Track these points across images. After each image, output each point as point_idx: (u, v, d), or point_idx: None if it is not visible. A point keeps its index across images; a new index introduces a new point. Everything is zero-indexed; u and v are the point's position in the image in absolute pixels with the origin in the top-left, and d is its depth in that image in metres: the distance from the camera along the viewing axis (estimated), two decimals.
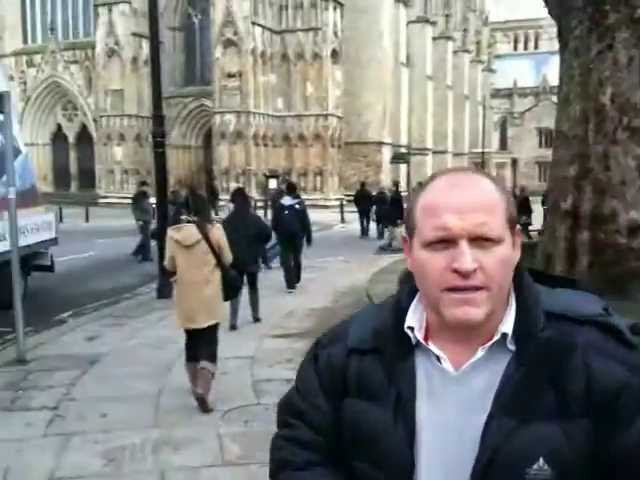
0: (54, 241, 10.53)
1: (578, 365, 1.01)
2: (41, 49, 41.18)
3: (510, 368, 1.03)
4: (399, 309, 1.14)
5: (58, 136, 42.60)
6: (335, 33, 36.45)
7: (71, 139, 42.06)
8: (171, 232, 5.46)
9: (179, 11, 39.59)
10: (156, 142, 10.49)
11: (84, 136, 41.37)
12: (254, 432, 4.67)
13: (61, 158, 42.46)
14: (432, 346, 1.09)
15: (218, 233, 5.39)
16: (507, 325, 1.05)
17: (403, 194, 20.42)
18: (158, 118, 10.56)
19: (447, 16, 55.15)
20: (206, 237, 5.27)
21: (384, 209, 18.36)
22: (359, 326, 1.18)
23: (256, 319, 8.22)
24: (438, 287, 1.03)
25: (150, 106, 10.85)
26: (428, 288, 1.05)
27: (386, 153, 38.61)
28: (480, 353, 1.06)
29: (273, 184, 26.05)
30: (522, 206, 16.45)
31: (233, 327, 7.68)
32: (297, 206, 10.67)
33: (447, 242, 1.02)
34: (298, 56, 36.13)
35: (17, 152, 10.12)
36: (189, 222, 5.37)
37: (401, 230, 14.00)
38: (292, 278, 10.43)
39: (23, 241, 8.85)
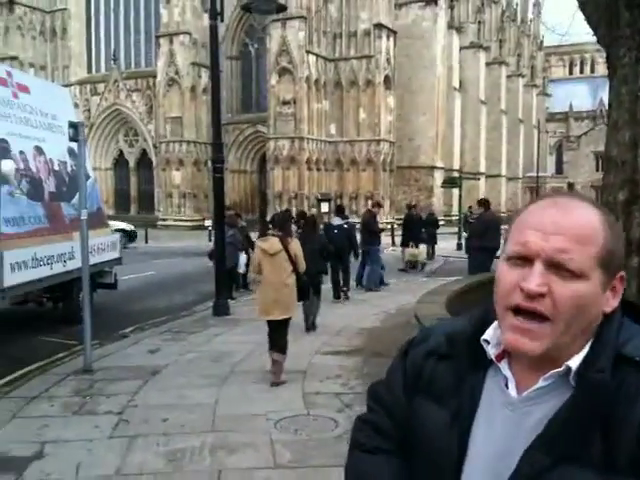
0: (118, 260, 11.09)
1: (635, 418, 0.93)
2: (104, 78, 43.05)
3: (565, 405, 0.98)
4: (483, 321, 1.12)
5: (120, 161, 44.28)
6: (388, 60, 36.94)
7: (132, 164, 43.62)
8: (259, 242, 7.24)
9: (237, 41, 40.86)
10: (215, 168, 11.01)
11: (144, 161, 42.89)
12: (303, 439, 4.96)
13: (122, 182, 44.09)
14: (503, 365, 1.07)
15: (296, 246, 6.81)
16: (575, 360, 1.00)
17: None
18: (218, 145, 11.09)
19: (501, 41, 55.07)
20: (286, 248, 6.61)
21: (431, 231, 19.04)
22: (441, 330, 1.19)
23: (313, 324, 8.96)
24: (504, 303, 1.01)
25: (207, 132, 11.46)
26: (497, 302, 1.03)
27: (438, 177, 38.66)
28: (541, 383, 1.02)
29: (325, 207, 26.53)
30: None
31: (308, 329, 8.85)
32: (345, 225, 12.02)
33: (525, 260, 0.99)
34: (351, 83, 36.75)
35: (86, 177, 10.81)
36: (274, 235, 7.03)
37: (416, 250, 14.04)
38: (338, 290, 11.73)
39: (91, 260, 9.45)
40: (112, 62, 42.76)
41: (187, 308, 11.32)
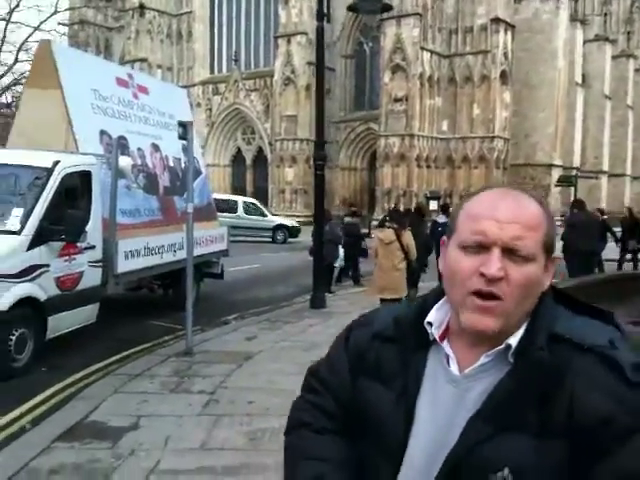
0: (225, 252, 11.66)
1: (565, 391, 1.02)
2: (225, 78, 44.82)
3: (505, 379, 1.06)
4: (424, 305, 1.21)
5: (237, 158, 46.00)
6: (505, 55, 35.93)
7: (248, 161, 45.18)
8: (376, 232, 9.91)
9: (352, 40, 41.23)
10: (317, 165, 11.30)
11: (260, 158, 44.30)
12: None
13: (239, 178, 45.78)
14: (445, 345, 1.15)
15: (408, 237, 8.06)
16: (514, 339, 1.08)
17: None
18: (320, 143, 11.38)
19: (629, 33, 51.92)
20: (399, 238, 7.89)
21: None
22: (385, 314, 1.26)
23: None
24: (463, 289, 1.08)
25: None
26: (453, 289, 1.11)
27: (555, 176, 37.10)
28: (483, 360, 1.10)
29: (433, 205, 26.35)
30: (631, 230, 15.16)
31: None
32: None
33: (482, 247, 1.06)
34: (465, 79, 36.07)
35: (198, 173, 11.45)
36: (389, 227, 8.48)
37: None
38: None
39: (198, 251, 10.03)
40: (233, 63, 44.46)
41: (287, 299, 11.75)
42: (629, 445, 0.99)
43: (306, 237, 23.07)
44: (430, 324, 1.17)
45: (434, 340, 1.16)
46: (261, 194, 43.51)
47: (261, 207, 27.83)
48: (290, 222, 27.02)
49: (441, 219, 13.16)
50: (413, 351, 1.17)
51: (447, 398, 1.11)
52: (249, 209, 26.70)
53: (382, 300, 7.71)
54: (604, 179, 46.55)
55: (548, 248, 1.10)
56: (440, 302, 1.19)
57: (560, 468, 1.01)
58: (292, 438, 1.28)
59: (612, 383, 1.01)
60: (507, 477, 1.01)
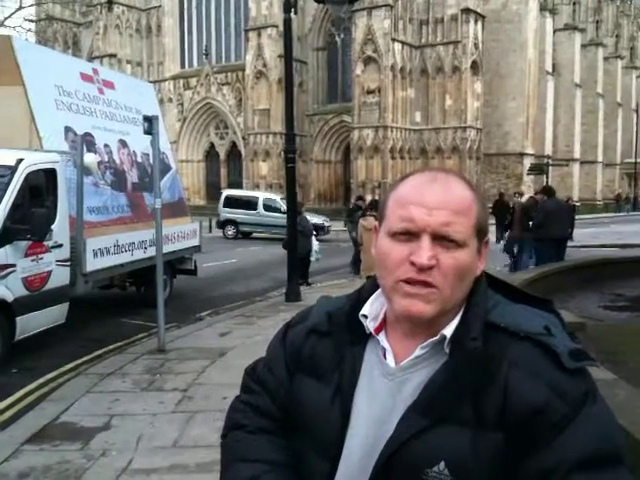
0: (198, 248, 11.55)
1: (500, 379, 1.00)
2: (196, 73, 44.41)
3: (440, 371, 1.04)
4: (359, 298, 1.18)
5: (211, 153, 45.68)
6: (475, 45, 36.09)
7: (222, 156, 44.90)
8: (361, 221, 11.99)
9: (323, 32, 41.09)
10: (287, 158, 11.25)
11: (234, 153, 44.05)
12: None
13: (213, 174, 45.49)
14: (381, 338, 1.12)
15: None
16: (449, 329, 1.06)
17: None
18: (290, 136, 11.32)
19: (597, 22, 52.53)
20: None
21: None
22: (319, 309, 1.22)
23: None
24: (393, 276, 1.04)
25: (294, 124, 11.68)
26: (384, 276, 1.07)
27: (527, 164, 37.45)
28: (418, 351, 1.07)
29: None
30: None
31: None
32: None
33: (411, 235, 1.03)
34: (437, 70, 36.18)
35: (167, 168, 11.34)
36: (371, 215, 11.36)
37: None
38: None
39: (170, 247, 9.95)
40: (204, 57, 44.05)
41: (262, 294, 11.72)
42: (567, 433, 0.97)
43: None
44: (365, 317, 1.13)
45: (370, 333, 1.13)
46: (235, 188, 43.38)
47: (282, 203, 26.36)
48: (317, 218, 24.45)
49: None
50: (349, 345, 1.13)
51: (383, 392, 1.08)
52: (270, 205, 25.50)
53: (368, 277, 7.94)
54: (576, 166, 47.10)
55: (480, 232, 1.07)
56: (375, 294, 1.15)
57: (497, 460, 0.98)
58: (228, 440, 1.24)
59: (547, 370, 0.99)
60: (443, 471, 0.99)
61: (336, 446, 1.09)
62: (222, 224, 25.81)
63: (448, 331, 1.05)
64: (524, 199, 14.66)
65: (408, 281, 1.03)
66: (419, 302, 1.02)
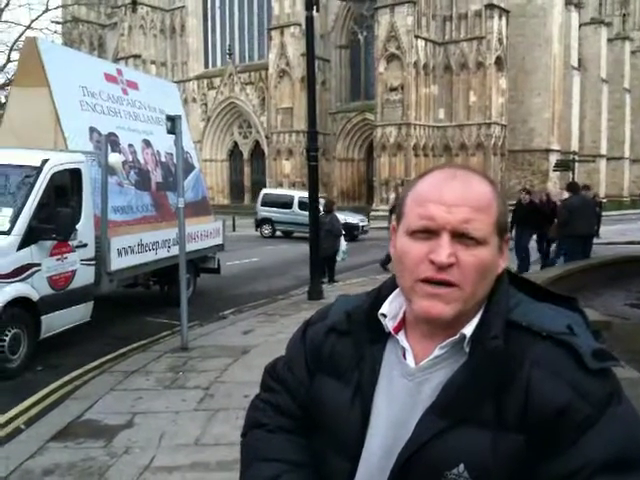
0: (221, 247, 11.59)
1: (522, 379, 0.98)
2: (220, 72, 44.67)
3: (459, 371, 1.02)
4: (378, 296, 1.16)
5: (234, 152, 45.93)
6: (500, 40, 35.74)
7: (245, 155, 45.11)
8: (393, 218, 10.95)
9: (346, 30, 41.05)
10: (310, 156, 11.24)
11: (257, 152, 44.24)
12: None
13: (236, 173, 45.78)
14: (401, 337, 1.11)
15: None
16: (469, 328, 1.04)
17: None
18: (312, 134, 11.31)
19: (624, 16, 51.70)
20: None
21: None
22: (338, 307, 1.22)
23: None
24: (412, 276, 1.03)
25: (317, 122, 11.68)
26: (403, 276, 1.06)
27: (553, 161, 37.01)
28: (437, 351, 1.06)
29: None
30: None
31: None
32: None
33: (430, 233, 1.02)
34: (461, 66, 35.91)
35: (191, 167, 11.41)
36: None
37: None
38: None
39: (194, 246, 10.01)
40: (227, 56, 44.27)
41: (284, 292, 11.74)
42: (590, 435, 0.95)
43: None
44: (384, 316, 1.12)
45: (390, 332, 1.12)
46: (259, 187, 43.46)
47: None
48: (353, 218, 24.02)
49: None
50: (368, 345, 1.12)
51: (402, 392, 1.07)
52: (306, 204, 25.01)
53: None
54: (602, 163, 46.47)
55: (501, 229, 1.05)
56: (394, 293, 1.14)
57: (517, 462, 0.96)
58: (248, 439, 1.24)
59: (569, 371, 0.97)
60: (462, 473, 0.97)
61: (356, 446, 1.08)
62: (259, 223, 25.27)
63: (468, 330, 1.04)
64: (564, 196, 14.33)
65: (428, 280, 1.01)
66: (439, 303, 1.01)
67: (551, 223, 12.80)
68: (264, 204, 25.26)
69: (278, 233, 24.88)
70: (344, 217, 22.74)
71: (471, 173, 1.07)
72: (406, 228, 1.05)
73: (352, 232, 22.64)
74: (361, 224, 24.18)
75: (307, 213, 22.94)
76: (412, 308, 1.05)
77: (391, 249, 1.11)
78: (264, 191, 27.41)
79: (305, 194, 26.75)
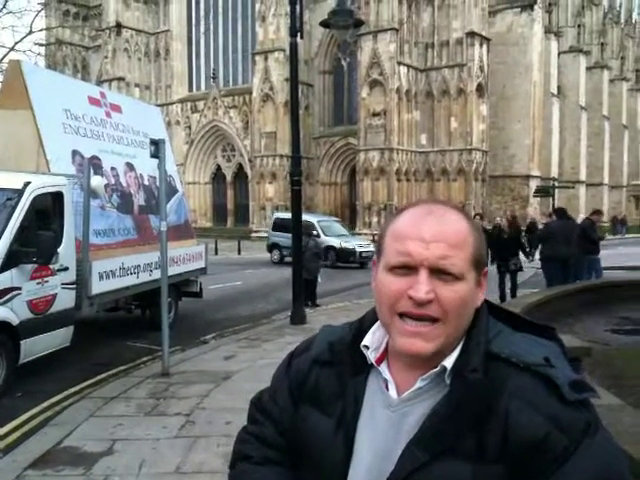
0: (203, 270, 11.55)
1: (501, 411, 0.99)
2: (204, 96, 44.84)
3: (441, 403, 1.03)
4: (360, 327, 1.18)
5: (217, 175, 45.95)
6: (481, 68, 36.34)
7: (229, 178, 45.14)
8: None
9: (329, 55, 41.52)
10: (293, 181, 11.27)
11: (240, 175, 44.29)
12: None
13: (219, 196, 45.75)
14: (383, 368, 1.11)
15: None
16: (449, 360, 1.05)
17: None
18: (296, 159, 11.36)
19: (602, 44, 52.87)
20: None
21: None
22: (322, 338, 1.23)
23: None
24: (392, 310, 1.04)
25: (301, 146, 11.77)
26: (383, 311, 1.07)
27: (533, 186, 37.50)
28: (419, 383, 1.07)
29: None
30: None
31: None
32: None
33: (409, 269, 1.03)
34: (443, 92, 36.41)
35: (174, 191, 11.39)
36: None
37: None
38: None
39: (176, 270, 9.95)
40: (211, 80, 44.48)
41: (267, 316, 11.68)
42: (569, 466, 0.96)
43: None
44: (367, 347, 1.13)
45: (373, 364, 1.13)
46: (242, 211, 43.59)
47: (318, 226, 22.53)
48: (352, 243, 22.62)
49: None
50: (351, 376, 1.13)
51: (385, 424, 1.07)
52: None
53: None
54: (582, 189, 47.10)
55: (478, 264, 1.07)
56: (377, 324, 1.14)
57: None
58: (235, 472, 1.25)
59: (547, 402, 0.98)
60: None
61: (340, 477, 1.09)
62: (270, 248, 24.18)
63: (448, 362, 1.05)
64: (580, 219, 14.47)
65: (407, 314, 1.02)
66: (419, 341, 1.02)
67: (517, 248, 12.95)
68: (275, 229, 23.88)
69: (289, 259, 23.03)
70: (339, 241, 22.42)
71: (447, 208, 1.09)
72: (385, 264, 1.07)
73: (348, 259, 21.87)
74: (358, 250, 22.33)
75: (332, 239, 22.20)
76: (393, 344, 1.07)
77: (372, 283, 1.12)
78: (275, 215, 26.41)
79: (310, 217, 25.55)
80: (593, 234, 12.55)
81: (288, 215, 24.25)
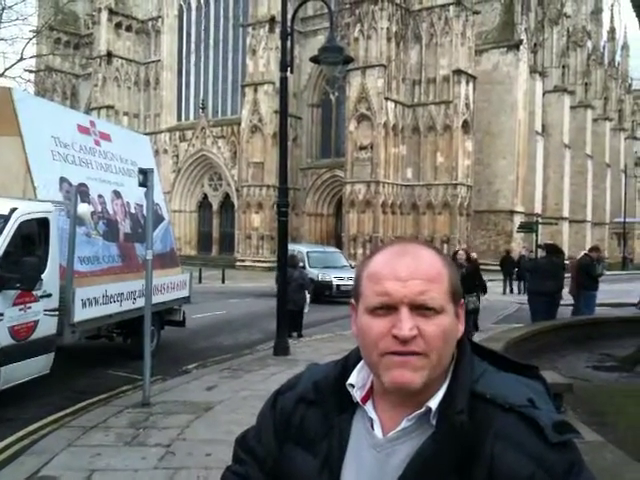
0: (187, 299, 11.51)
1: (486, 454, 1.00)
2: (193, 125, 45.03)
3: (426, 444, 1.03)
4: (345, 365, 1.18)
5: (204, 204, 45.92)
6: (467, 105, 36.88)
7: (215, 207, 45.13)
8: None
9: (318, 89, 41.98)
10: (280, 212, 11.33)
11: (227, 204, 44.31)
12: None
13: (205, 224, 45.66)
14: (369, 407, 1.11)
15: None
16: (435, 400, 1.06)
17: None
18: (283, 190, 11.44)
19: (586, 84, 53.97)
20: None
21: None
22: (308, 377, 1.22)
23: None
24: (377, 351, 1.04)
25: (288, 177, 11.88)
26: (368, 353, 1.07)
27: (517, 222, 37.85)
28: (404, 423, 1.07)
29: None
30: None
31: None
32: None
33: (389, 308, 1.04)
34: (429, 128, 36.86)
35: (160, 219, 11.41)
36: None
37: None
38: None
39: (160, 298, 9.92)
40: (200, 110, 44.71)
41: (251, 347, 11.62)
42: None
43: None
44: (352, 386, 1.13)
45: (358, 402, 1.13)
46: (227, 240, 43.53)
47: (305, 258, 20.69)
48: (331, 276, 20.55)
49: None
50: (336, 415, 1.13)
51: (371, 463, 1.07)
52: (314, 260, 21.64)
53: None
54: (565, 225, 47.57)
55: (455, 296, 1.09)
56: (362, 362, 1.14)
57: None
58: None
59: (532, 444, 0.99)
60: None
61: None
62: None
63: (433, 403, 1.05)
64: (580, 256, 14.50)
65: (393, 353, 1.03)
66: (407, 371, 1.03)
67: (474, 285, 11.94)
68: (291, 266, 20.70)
69: None
70: (318, 273, 20.31)
71: (420, 246, 1.12)
72: (365, 306, 1.08)
73: (323, 292, 19.58)
74: (336, 282, 20.32)
75: (313, 271, 19.91)
76: (382, 381, 1.06)
77: (353, 327, 1.13)
78: (296, 248, 21.80)
79: (307, 248, 24.03)
80: (593, 271, 12.80)
81: (298, 247, 22.81)
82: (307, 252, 22.01)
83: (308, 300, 13.39)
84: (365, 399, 1.12)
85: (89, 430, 6.24)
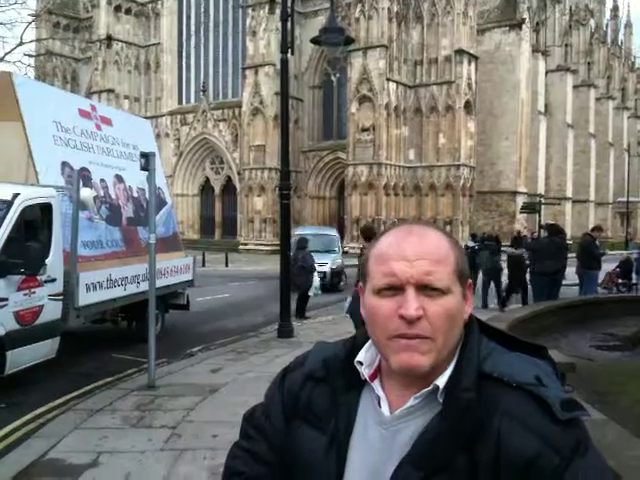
0: (191, 282, 11.54)
1: (493, 431, 1.01)
2: (194, 109, 44.87)
3: (433, 422, 1.04)
4: (354, 344, 1.19)
5: (206, 188, 45.89)
6: (469, 85, 36.67)
7: (217, 190, 45.10)
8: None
9: (319, 71, 41.75)
10: (282, 194, 11.32)
11: (228, 188, 44.27)
12: None
13: (208, 208, 45.66)
14: (376, 385, 1.12)
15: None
16: (442, 379, 1.07)
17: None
18: (285, 173, 11.41)
19: (589, 64, 53.60)
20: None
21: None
22: (315, 355, 1.23)
23: None
24: (385, 333, 1.05)
25: (290, 160, 11.85)
26: (376, 333, 1.08)
27: (520, 203, 37.79)
28: (412, 401, 1.07)
29: None
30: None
31: None
32: None
33: (395, 289, 1.05)
34: (431, 109, 36.68)
35: (163, 203, 11.41)
36: None
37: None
38: None
39: (163, 282, 9.94)
40: (201, 93, 44.52)
41: (255, 329, 11.68)
42: None
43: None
44: (361, 363, 1.14)
45: (366, 380, 1.13)
46: (230, 223, 43.55)
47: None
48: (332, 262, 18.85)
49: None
50: (344, 392, 1.14)
51: (377, 441, 1.08)
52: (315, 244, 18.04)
53: None
54: (568, 205, 47.51)
55: (461, 277, 1.09)
56: (370, 341, 1.15)
57: None
58: None
59: (539, 422, 1.00)
60: None
61: None
62: None
63: (441, 381, 1.06)
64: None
65: (401, 337, 1.04)
66: (415, 354, 1.03)
67: None
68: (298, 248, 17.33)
69: None
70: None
71: (426, 227, 1.12)
72: (372, 287, 1.08)
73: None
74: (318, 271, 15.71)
75: (319, 254, 17.46)
76: (389, 363, 1.07)
77: (361, 309, 1.13)
78: (296, 232, 19.63)
79: (306, 229, 22.56)
80: (595, 251, 12.75)
81: (310, 230, 22.22)
82: (296, 234, 18.72)
83: (316, 284, 13.32)
84: (373, 377, 1.13)
85: (95, 413, 6.29)
